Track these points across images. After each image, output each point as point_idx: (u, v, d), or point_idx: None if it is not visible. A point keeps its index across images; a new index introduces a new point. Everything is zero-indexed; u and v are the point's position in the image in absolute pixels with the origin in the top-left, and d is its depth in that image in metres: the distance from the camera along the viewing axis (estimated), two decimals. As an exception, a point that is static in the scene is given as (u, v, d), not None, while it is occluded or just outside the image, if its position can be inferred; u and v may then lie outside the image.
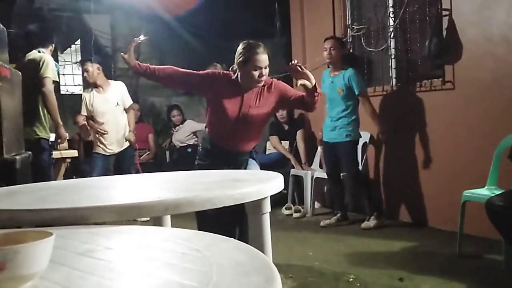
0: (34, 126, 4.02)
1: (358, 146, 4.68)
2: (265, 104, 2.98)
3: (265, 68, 2.92)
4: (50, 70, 3.98)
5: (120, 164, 5.03)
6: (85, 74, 5.05)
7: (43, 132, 4.12)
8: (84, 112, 5.03)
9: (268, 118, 3.09)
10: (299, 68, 2.80)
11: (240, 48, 2.95)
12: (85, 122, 5.28)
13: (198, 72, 3.14)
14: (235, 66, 2.98)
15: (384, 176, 4.98)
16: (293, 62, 2.85)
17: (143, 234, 1.16)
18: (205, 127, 3.16)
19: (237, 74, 2.98)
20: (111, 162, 5.06)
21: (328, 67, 4.72)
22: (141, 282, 0.81)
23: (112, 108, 4.99)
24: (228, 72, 3.05)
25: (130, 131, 5.12)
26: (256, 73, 2.89)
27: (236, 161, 2.98)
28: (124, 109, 5.11)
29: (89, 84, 5.13)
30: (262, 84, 2.96)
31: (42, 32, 4.13)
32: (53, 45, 4.21)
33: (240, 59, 2.91)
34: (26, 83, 3.90)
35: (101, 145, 4.99)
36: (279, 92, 3.00)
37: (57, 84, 4.48)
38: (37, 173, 3.85)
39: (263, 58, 2.90)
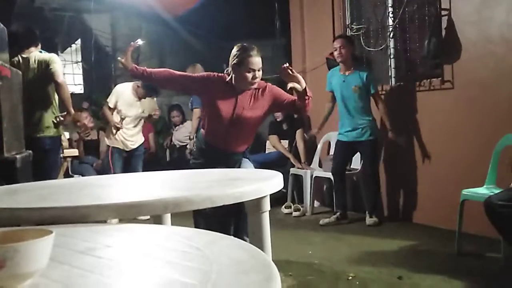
0: (48, 125, 4.06)
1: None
2: (258, 106, 3.04)
3: (259, 70, 2.97)
4: (58, 65, 4.04)
5: (132, 160, 5.19)
6: None
7: (57, 130, 4.17)
8: (111, 103, 5.09)
9: (261, 120, 3.14)
10: (290, 72, 2.84)
11: (234, 50, 3.01)
12: (85, 122, 5.31)
13: (193, 74, 3.18)
14: (230, 68, 3.02)
15: (383, 175, 4.98)
16: (284, 65, 2.88)
17: (143, 232, 1.16)
18: (200, 128, 3.20)
19: (231, 76, 3.02)
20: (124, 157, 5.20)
21: (335, 66, 4.73)
22: (141, 280, 0.81)
23: (139, 116, 5.18)
24: (222, 74, 3.09)
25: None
26: (249, 75, 2.94)
27: (229, 161, 3.04)
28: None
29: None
30: (255, 86, 3.02)
31: (30, 32, 4.14)
32: (39, 44, 4.23)
33: (234, 61, 2.97)
34: (37, 83, 3.94)
35: (122, 139, 5.11)
36: (273, 96, 3.06)
37: None
38: (49, 171, 3.89)
39: (257, 60, 2.95)
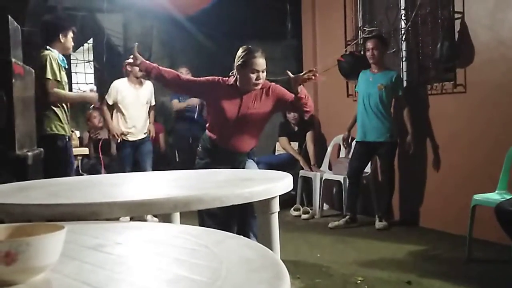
0: (51, 123, 4.06)
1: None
2: (263, 106, 3.10)
3: (263, 72, 3.04)
4: (49, 72, 3.97)
5: (141, 151, 5.02)
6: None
7: (60, 129, 4.15)
8: (110, 100, 4.93)
9: (266, 120, 3.19)
10: (306, 80, 2.95)
11: (239, 52, 3.08)
12: (95, 121, 5.30)
13: (198, 79, 3.24)
14: (234, 70, 3.09)
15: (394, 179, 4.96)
16: (311, 73, 2.95)
17: (152, 230, 1.17)
18: (206, 128, 3.24)
19: (236, 77, 3.09)
20: (134, 150, 5.04)
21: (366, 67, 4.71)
22: (151, 276, 0.82)
23: (143, 105, 5.02)
24: (226, 78, 3.16)
25: (150, 123, 5.20)
26: (253, 76, 3.01)
27: (234, 161, 3.08)
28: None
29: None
30: (259, 87, 3.08)
31: (54, 24, 4.14)
32: (70, 31, 4.22)
33: (239, 62, 3.04)
34: (42, 81, 3.95)
35: (126, 136, 4.97)
36: (277, 96, 3.13)
37: (69, 83, 4.48)
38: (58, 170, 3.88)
39: (261, 62, 3.02)
